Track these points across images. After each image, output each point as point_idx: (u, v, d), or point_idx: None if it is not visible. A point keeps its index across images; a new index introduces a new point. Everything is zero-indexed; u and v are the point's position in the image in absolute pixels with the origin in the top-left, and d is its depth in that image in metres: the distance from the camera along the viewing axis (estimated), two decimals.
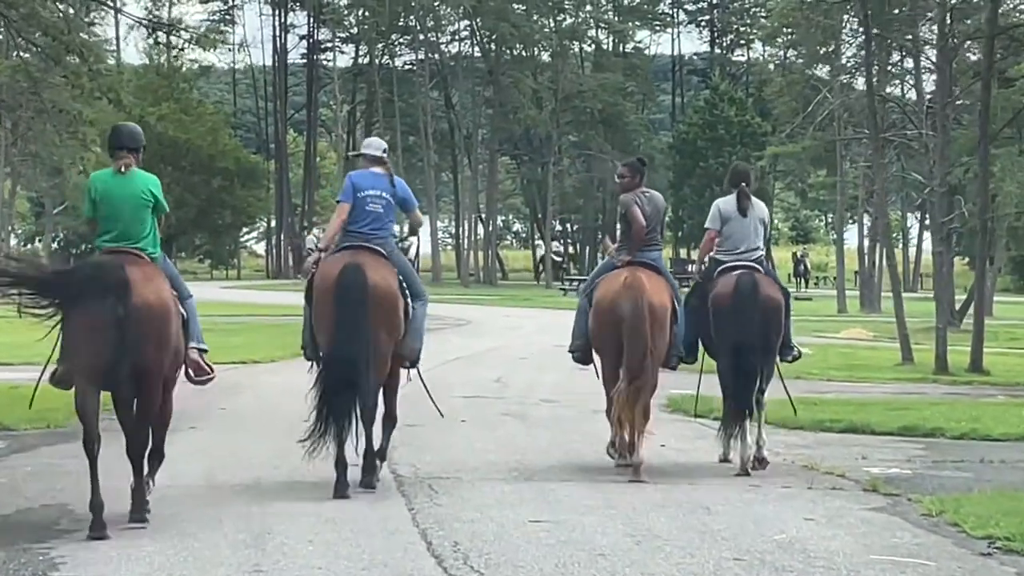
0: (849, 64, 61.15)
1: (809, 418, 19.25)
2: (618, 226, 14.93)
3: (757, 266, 14.41)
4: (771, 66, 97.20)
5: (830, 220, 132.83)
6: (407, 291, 12.92)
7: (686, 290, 15.58)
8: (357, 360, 12.32)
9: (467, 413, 19.23)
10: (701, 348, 15.03)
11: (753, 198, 14.80)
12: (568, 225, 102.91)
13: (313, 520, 11.03)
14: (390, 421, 13.42)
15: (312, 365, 13.11)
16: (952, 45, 35.48)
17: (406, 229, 15.27)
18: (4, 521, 11.19)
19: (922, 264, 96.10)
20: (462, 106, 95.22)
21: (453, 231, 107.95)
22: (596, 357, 14.58)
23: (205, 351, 12.03)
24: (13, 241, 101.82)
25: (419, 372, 13.62)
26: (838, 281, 65.22)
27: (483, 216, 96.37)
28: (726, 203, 14.68)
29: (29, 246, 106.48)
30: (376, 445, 13.00)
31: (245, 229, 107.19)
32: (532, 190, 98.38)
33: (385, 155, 13.46)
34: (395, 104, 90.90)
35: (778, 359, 14.79)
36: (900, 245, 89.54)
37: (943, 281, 35.49)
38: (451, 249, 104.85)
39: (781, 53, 75.53)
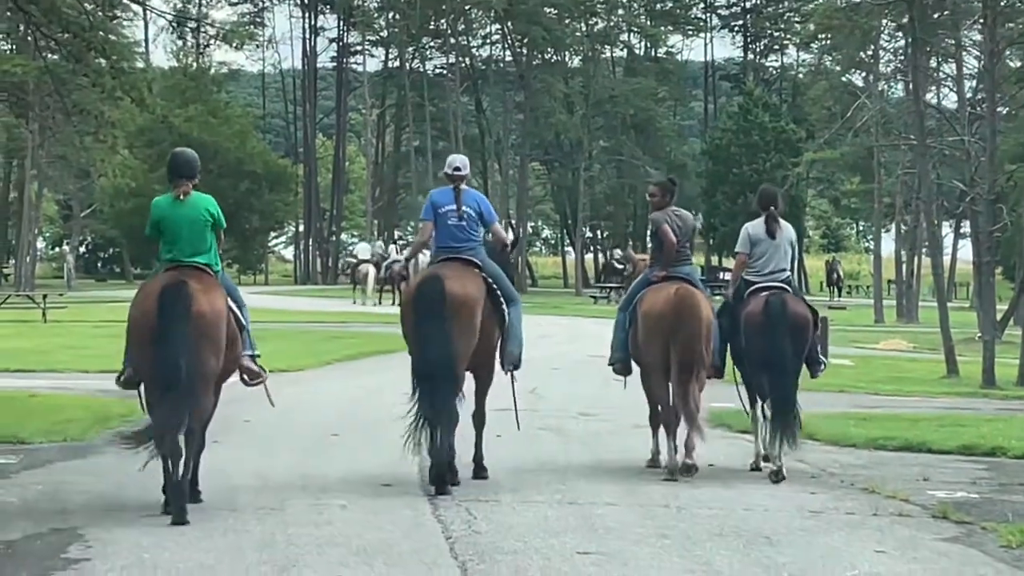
0: (888, 69, 60.27)
1: (862, 435, 18.44)
2: (650, 243, 15.48)
3: (786, 286, 14.89)
4: (802, 72, 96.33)
5: (862, 228, 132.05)
6: (500, 298, 13.61)
7: (718, 298, 16.08)
8: (435, 365, 12.90)
9: (502, 427, 18.34)
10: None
11: (781, 220, 15.22)
12: (599, 232, 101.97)
13: (343, 551, 10.13)
14: (479, 420, 14.02)
15: None
16: (996, 49, 34.54)
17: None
18: (8, 548, 10.29)
19: (956, 273, 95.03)
20: (492, 111, 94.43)
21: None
22: (637, 368, 15.06)
23: (257, 356, 12.78)
24: (41, 244, 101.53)
25: (512, 383, 14.35)
26: (874, 290, 64.16)
27: (513, 222, 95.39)
28: (755, 227, 15.14)
29: (56, 249, 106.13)
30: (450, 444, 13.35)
31: (273, 234, 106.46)
32: (562, 196, 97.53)
33: (461, 171, 13.95)
34: (425, 108, 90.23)
35: (808, 373, 15.37)
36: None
37: (988, 292, 34.47)
38: None
39: (816, 58, 74.46)
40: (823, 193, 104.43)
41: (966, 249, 78.20)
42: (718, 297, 18.41)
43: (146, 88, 25.32)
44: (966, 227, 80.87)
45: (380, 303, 57.11)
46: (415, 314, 13.11)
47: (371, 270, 57.55)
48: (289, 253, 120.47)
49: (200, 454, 12.20)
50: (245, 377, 12.72)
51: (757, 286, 14.86)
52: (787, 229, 15.20)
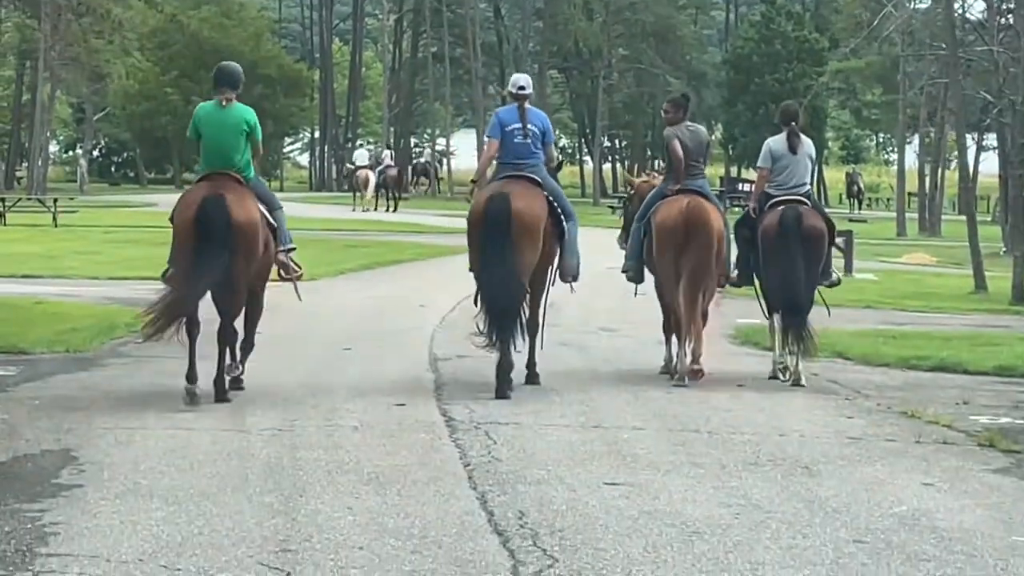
0: None
1: (894, 354, 17.78)
2: (665, 157, 16.03)
3: (804, 199, 15.27)
4: None
5: (882, 140, 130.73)
6: (560, 214, 14.26)
7: (737, 210, 16.91)
8: (502, 279, 13.60)
9: (520, 343, 17.70)
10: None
11: (802, 135, 15.60)
12: (616, 141, 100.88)
13: (354, 479, 9.42)
14: (533, 328, 14.46)
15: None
16: None
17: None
18: None
19: (978, 187, 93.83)
20: (511, 17, 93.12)
21: None
22: (651, 276, 15.61)
23: (293, 250, 14.03)
24: (54, 147, 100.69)
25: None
26: (897, 203, 63.20)
27: None
28: (776, 142, 15.48)
29: (70, 153, 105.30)
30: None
31: (288, 140, 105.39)
32: (580, 105, 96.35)
33: (525, 90, 14.63)
34: (443, 14, 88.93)
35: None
36: (953, 166, 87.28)
37: (1018, 206, 33.58)
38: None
39: None
40: (844, 104, 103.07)
41: (988, 162, 77.10)
42: (737, 209, 18.55)
43: None
44: (988, 140, 79.89)
45: (376, 209, 57.62)
46: (483, 231, 13.75)
47: (371, 176, 58.27)
48: (304, 160, 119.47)
49: (248, 353, 13.64)
50: (281, 272, 14.00)
51: (776, 199, 15.20)
52: (807, 144, 15.56)
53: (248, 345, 13.72)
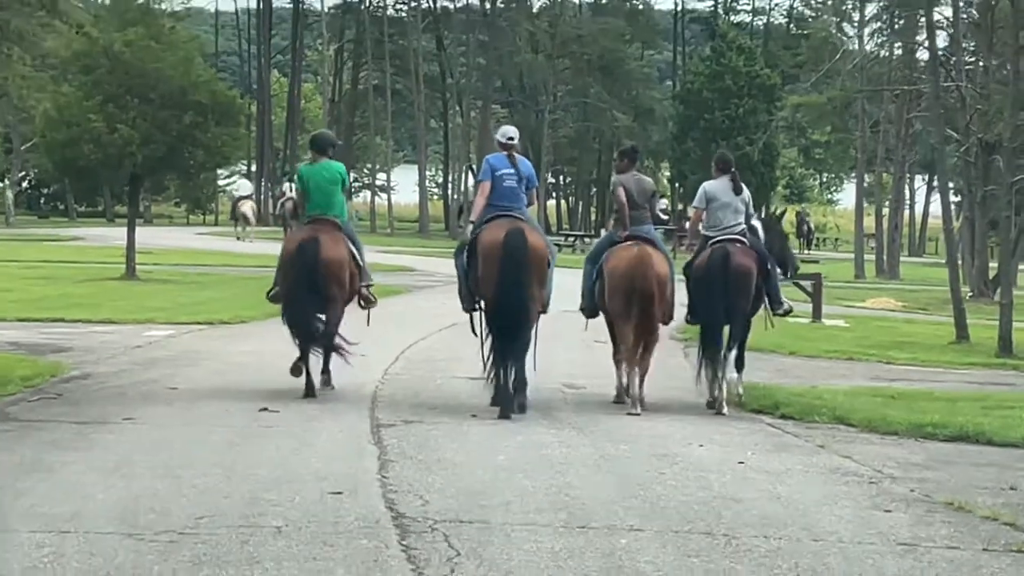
0: (873, 15, 57.71)
1: (903, 420, 15.56)
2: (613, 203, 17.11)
3: (740, 238, 16.30)
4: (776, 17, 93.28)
5: (825, 180, 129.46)
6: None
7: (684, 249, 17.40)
8: (521, 307, 14.96)
9: (476, 402, 15.34)
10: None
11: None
12: (561, 177, 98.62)
13: None
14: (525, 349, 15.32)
15: (471, 317, 15.71)
16: None
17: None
18: None
19: (928, 228, 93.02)
20: (454, 49, 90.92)
21: (441, 180, 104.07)
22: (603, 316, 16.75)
23: (371, 285, 16.96)
24: None
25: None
26: (856, 245, 61.09)
27: (473, 166, 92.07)
28: (712, 186, 16.67)
29: None
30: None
31: (223, 172, 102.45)
32: (524, 139, 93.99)
33: (514, 141, 16.01)
34: (385, 45, 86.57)
35: (770, 312, 16.91)
36: (907, 207, 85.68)
37: (1007, 250, 31.40)
38: (439, 199, 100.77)
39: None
40: (793, 142, 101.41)
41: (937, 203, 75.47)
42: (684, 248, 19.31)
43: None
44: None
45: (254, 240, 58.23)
46: (503, 263, 14.93)
47: (249, 206, 57.67)
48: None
49: (331, 352, 16.19)
50: (361, 302, 16.83)
51: (713, 239, 16.31)
52: (745, 190, 16.76)
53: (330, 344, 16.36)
